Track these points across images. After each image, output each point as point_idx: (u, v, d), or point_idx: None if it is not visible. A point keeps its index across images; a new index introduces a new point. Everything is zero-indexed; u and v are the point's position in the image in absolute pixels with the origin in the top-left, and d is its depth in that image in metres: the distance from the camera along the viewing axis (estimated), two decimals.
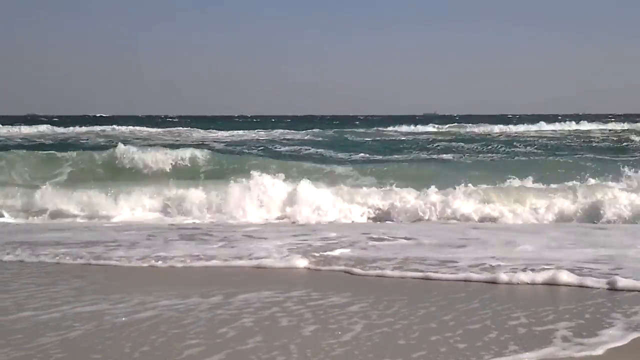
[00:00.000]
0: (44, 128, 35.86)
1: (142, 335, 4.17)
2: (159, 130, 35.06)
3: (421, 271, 5.93)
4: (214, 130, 34.70)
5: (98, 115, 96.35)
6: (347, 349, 3.83)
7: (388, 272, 5.92)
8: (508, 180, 11.75)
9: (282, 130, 35.87)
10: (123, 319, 4.42)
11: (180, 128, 36.97)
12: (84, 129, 34.94)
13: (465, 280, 5.63)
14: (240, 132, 34.42)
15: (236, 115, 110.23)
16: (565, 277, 5.47)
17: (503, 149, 23.56)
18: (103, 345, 3.93)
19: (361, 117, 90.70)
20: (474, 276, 5.71)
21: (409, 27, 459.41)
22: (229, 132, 34.41)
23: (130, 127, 36.49)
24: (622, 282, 5.30)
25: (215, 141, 27.13)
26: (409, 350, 3.82)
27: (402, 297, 5.05)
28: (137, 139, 27.39)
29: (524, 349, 3.79)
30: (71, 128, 35.44)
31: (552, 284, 5.44)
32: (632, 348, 3.88)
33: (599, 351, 3.79)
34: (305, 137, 30.14)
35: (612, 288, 5.25)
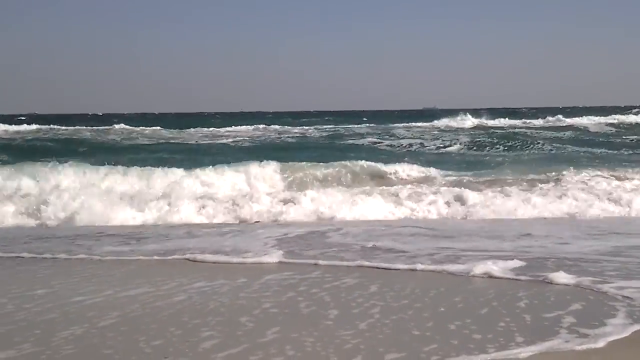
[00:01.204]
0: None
1: (161, 326, 4.30)
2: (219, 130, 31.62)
3: None
4: (246, 127, 33.22)
5: (101, 114, 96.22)
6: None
7: None
8: None
9: (332, 126, 34.68)
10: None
11: (243, 127, 33.64)
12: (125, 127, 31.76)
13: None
14: (293, 128, 32.93)
15: (237, 112, 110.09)
16: None
17: None
18: (115, 341, 4.00)
19: (365, 113, 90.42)
20: None
21: (404, 22, 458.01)
22: (267, 126, 33.35)
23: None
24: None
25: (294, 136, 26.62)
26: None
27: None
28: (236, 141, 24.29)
29: (527, 342, 3.85)
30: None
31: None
32: (633, 340, 3.93)
33: (601, 343, 3.84)
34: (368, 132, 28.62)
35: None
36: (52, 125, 32.60)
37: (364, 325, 4.24)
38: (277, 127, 33.69)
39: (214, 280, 5.65)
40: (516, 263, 5.96)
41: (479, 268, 5.72)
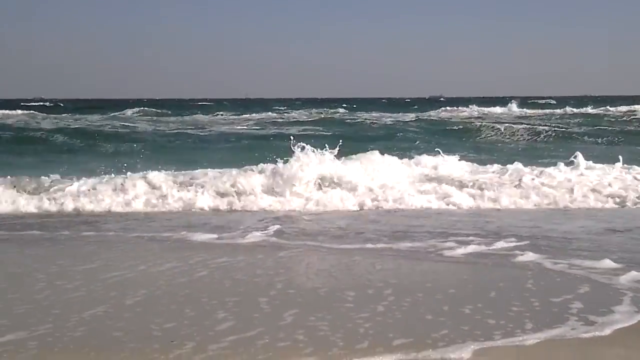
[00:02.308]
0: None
1: (178, 306, 4.37)
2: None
3: None
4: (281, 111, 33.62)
5: (111, 99, 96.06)
6: None
7: None
8: None
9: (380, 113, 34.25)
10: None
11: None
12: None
13: None
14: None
15: (242, 97, 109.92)
16: None
17: None
18: (129, 322, 4.04)
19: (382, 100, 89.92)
20: None
21: (410, 14, 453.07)
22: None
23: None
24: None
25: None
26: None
27: None
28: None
29: (532, 330, 3.86)
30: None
31: None
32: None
33: (607, 331, 3.85)
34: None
35: None
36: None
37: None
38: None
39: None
40: None
41: None
